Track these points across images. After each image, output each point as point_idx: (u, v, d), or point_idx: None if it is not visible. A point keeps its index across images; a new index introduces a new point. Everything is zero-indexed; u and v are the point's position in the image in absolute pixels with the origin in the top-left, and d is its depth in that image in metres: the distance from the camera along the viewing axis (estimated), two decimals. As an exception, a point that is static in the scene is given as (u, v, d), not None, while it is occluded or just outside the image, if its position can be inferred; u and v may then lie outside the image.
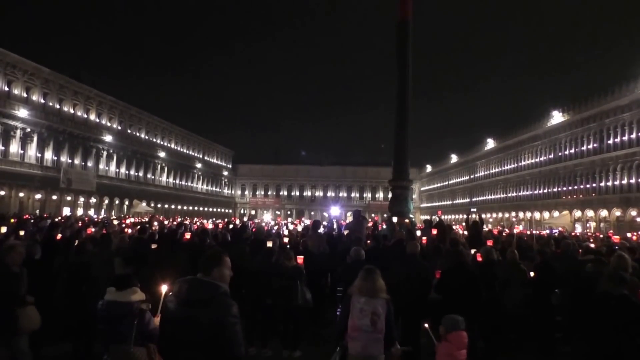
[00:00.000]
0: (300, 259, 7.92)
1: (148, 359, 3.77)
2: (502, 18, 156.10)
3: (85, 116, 52.77)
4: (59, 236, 10.25)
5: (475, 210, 26.58)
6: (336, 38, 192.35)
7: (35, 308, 5.52)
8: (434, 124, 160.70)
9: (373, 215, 65.17)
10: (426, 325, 4.35)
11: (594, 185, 46.12)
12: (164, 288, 3.81)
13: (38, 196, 43.52)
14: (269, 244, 8.69)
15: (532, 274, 8.31)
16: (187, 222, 27.20)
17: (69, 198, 47.58)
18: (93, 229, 14.65)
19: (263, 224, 27.26)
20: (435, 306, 6.98)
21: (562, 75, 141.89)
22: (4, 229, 9.91)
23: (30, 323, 5.41)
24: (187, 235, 11.59)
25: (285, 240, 11.56)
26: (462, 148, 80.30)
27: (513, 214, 59.98)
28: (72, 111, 50.42)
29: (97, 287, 6.55)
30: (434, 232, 12.36)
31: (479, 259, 8.13)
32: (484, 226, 20.91)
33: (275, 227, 23.83)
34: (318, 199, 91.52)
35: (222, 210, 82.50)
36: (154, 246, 9.03)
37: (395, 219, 15.57)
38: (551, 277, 7.93)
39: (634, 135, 40.80)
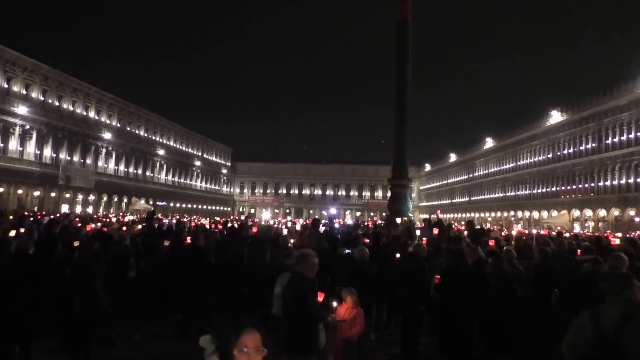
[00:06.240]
0: None
1: None
2: (501, 17, 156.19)
3: (85, 113, 52.73)
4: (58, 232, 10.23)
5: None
6: (337, 35, 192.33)
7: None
8: (433, 122, 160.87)
9: (372, 214, 65.39)
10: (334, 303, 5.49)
11: (593, 184, 46.20)
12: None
13: (37, 193, 43.41)
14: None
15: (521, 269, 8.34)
16: (185, 220, 27.25)
17: (67, 195, 47.54)
18: (92, 226, 14.65)
19: (263, 222, 27.28)
20: (435, 304, 7.00)
21: (561, 74, 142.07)
22: (12, 232, 9.40)
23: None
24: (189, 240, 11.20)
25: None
26: (461, 147, 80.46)
27: (512, 213, 60.04)
28: (71, 108, 50.38)
29: (93, 284, 6.60)
30: (435, 231, 12.35)
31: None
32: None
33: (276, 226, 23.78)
34: (317, 197, 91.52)
35: (221, 208, 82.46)
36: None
37: (399, 220, 15.46)
38: (550, 276, 7.95)
39: (632, 135, 40.87)
